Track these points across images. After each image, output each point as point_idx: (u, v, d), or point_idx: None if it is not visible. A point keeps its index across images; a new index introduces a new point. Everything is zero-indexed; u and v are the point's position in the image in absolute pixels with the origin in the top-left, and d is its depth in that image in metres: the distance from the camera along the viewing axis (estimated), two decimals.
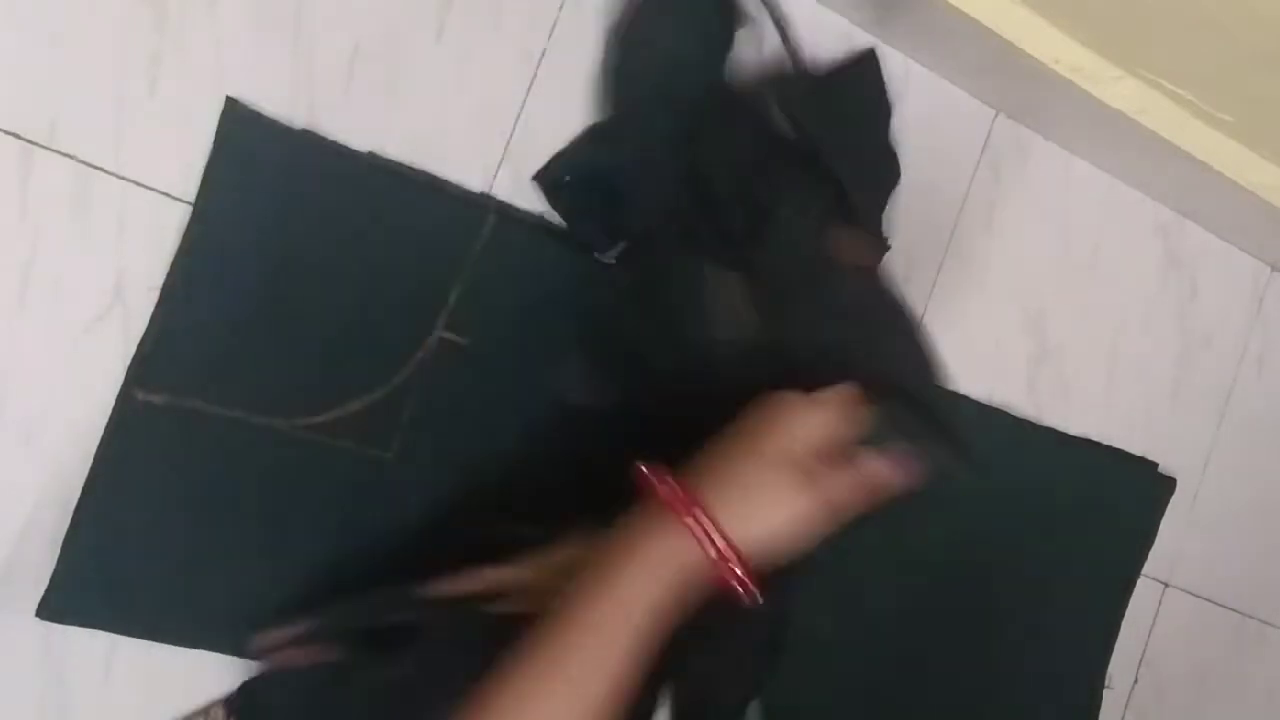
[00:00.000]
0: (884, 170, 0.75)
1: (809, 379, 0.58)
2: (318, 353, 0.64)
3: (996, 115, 0.83)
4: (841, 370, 0.59)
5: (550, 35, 0.69)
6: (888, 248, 0.70)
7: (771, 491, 0.54)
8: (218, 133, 0.61)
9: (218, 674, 0.63)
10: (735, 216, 0.65)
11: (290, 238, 0.63)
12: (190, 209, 0.61)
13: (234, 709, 0.63)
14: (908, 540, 0.81)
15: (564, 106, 0.70)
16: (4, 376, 0.59)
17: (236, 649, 0.63)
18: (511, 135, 0.69)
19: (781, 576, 0.56)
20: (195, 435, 0.61)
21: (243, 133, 0.61)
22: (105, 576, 0.60)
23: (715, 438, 0.57)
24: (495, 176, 0.68)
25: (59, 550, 0.59)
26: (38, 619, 0.59)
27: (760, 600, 0.54)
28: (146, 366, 0.60)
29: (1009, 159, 0.84)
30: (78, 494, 0.59)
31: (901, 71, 0.80)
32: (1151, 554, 0.91)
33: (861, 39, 0.77)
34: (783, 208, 0.64)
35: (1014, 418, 0.85)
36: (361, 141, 0.64)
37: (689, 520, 0.53)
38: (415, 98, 0.66)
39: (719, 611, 0.55)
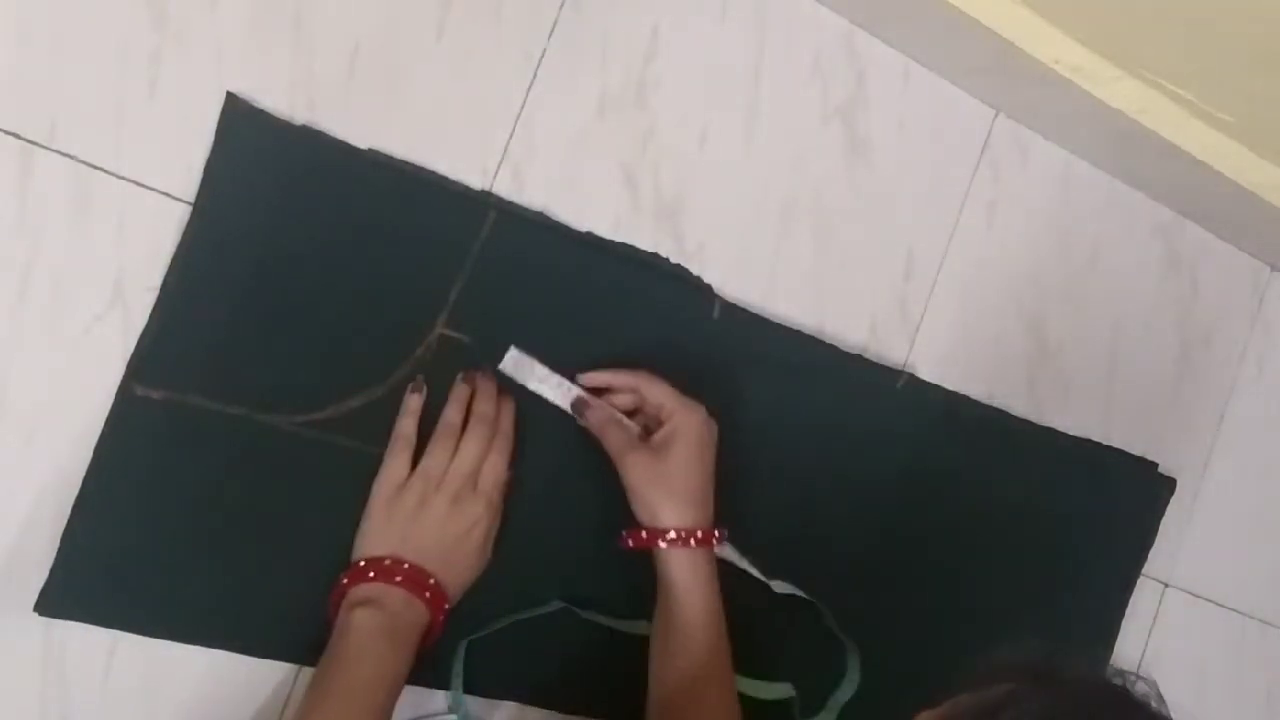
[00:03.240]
0: None
1: None
2: (317, 349, 0.64)
3: (996, 115, 0.83)
4: None
5: (550, 35, 0.69)
6: None
7: None
8: (218, 128, 0.61)
9: (217, 671, 0.63)
10: None
11: (290, 234, 0.63)
12: (190, 209, 0.61)
13: None
14: (908, 540, 0.81)
15: (564, 106, 0.70)
16: (4, 374, 0.59)
17: (234, 645, 0.63)
18: (511, 135, 0.69)
19: None
20: (194, 432, 0.61)
21: (243, 128, 0.61)
22: (104, 572, 0.60)
23: None
24: (495, 175, 0.68)
25: (58, 546, 0.59)
26: (38, 617, 0.59)
27: None
28: (146, 362, 0.60)
29: (1009, 159, 0.84)
30: (77, 490, 0.59)
31: (901, 71, 0.80)
32: (1151, 554, 0.91)
33: (862, 39, 0.78)
34: None
35: (1014, 418, 0.85)
36: (362, 139, 0.64)
37: None
38: (415, 96, 0.66)
39: None
